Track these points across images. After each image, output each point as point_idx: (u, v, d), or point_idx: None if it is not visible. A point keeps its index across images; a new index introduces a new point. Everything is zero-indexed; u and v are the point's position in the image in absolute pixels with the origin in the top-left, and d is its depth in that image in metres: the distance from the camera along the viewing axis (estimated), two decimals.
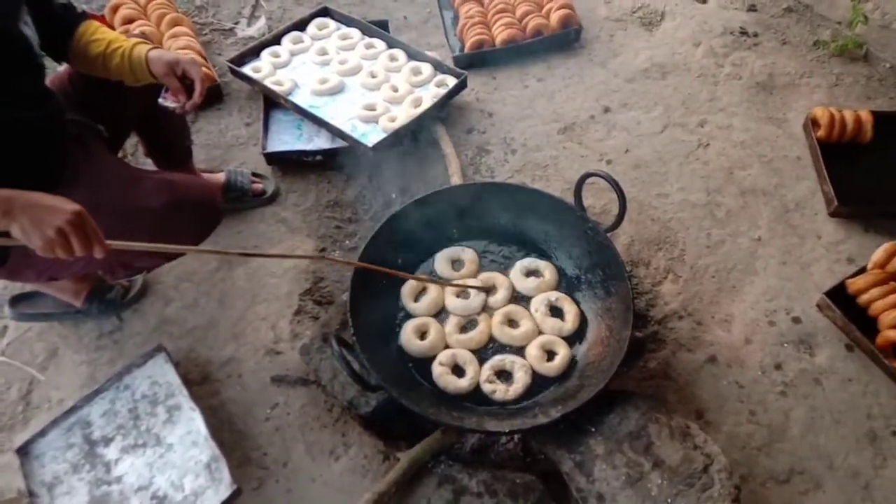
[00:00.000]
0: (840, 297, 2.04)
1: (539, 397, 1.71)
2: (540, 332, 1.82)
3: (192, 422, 1.75)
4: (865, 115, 2.48)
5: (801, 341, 2.03)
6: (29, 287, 2.03)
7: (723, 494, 1.47)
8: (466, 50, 2.89)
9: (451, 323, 1.83)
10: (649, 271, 2.22)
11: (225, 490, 1.63)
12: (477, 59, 2.87)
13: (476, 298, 1.87)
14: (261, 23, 3.10)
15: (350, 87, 2.60)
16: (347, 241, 2.32)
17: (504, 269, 1.97)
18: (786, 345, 2.02)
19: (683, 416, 1.67)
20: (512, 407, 1.69)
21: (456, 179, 2.33)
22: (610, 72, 2.89)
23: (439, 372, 1.72)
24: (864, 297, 2.02)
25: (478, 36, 2.86)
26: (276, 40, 2.77)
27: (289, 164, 2.48)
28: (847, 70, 2.89)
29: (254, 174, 2.40)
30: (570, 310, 1.85)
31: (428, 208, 1.94)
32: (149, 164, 2.21)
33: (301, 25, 2.84)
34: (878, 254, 2.09)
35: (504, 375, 1.74)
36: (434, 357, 1.75)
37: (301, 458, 1.77)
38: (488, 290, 1.89)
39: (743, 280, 2.19)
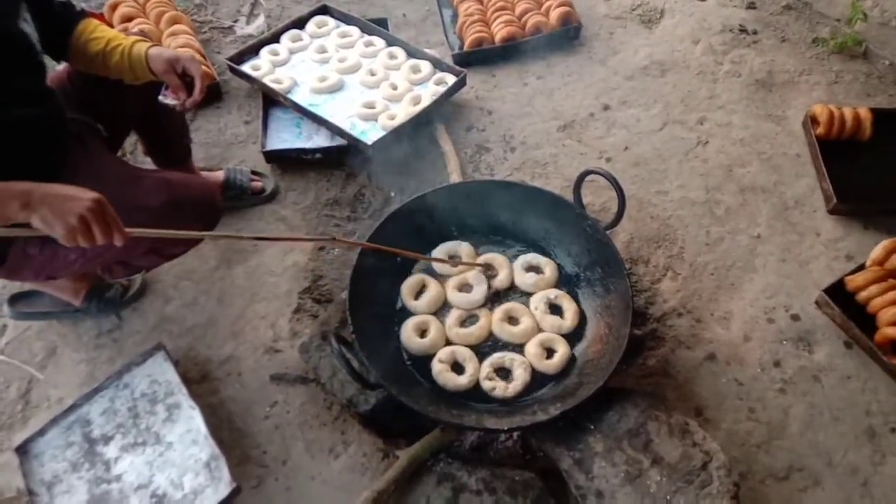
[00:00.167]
0: (839, 294, 2.04)
1: (538, 395, 1.71)
2: (539, 330, 1.82)
3: (192, 420, 1.75)
4: (865, 113, 2.48)
5: (800, 338, 2.03)
6: (28, 286, 2.03)
7: (721, 491, 1.47)
8: (466, 48, 2.88)
9: (452, 316, 1.84)
10: (648, 269, 2.22)
11: (224, 488, 1.63)
12: (476, 57, 2.87)
13: (478, 291, 1.87)
14: (260, 21, 3.10)
15: (349, 85, 2.60)
16: (351, 240, 2.32)
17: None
18: (785, 342, 2.03)
19: (682, 413, 1.67)
20: (511, 404, 1.69)
21: (455, 177, 2.33)
22: (609, 69, 2.89)
23: (439, 369, 1.72)
24: (862, 295, 2.02)
25: (477, 34, 2.86)
26: (275, 38, 2.77)
27: (288, 162, 2.48)
28: (846, 67, 2.89)
29: (253, 172, 2.39)
30: (569, 307, 1.85)
31: (427, 206, 1.94)
32: (148, 163, 2.21)
33: (300, 23, 2.84)
34: (877, 251, 2.09)
35: (503, 373, 1.74)
36: (434, 355, 1.75)
37: (300, 457, 1.78)
38: (489, 268, 1.91)
39: (742, 277, 2.19)
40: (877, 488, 1.75)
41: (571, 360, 1.77)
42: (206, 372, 1.94)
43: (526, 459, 1.78)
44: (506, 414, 1.64)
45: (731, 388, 1.93)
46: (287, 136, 2.53)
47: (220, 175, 2.31)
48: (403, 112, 2.43)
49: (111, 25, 2.67)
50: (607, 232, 1.85)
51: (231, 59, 2.64)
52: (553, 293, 1.88)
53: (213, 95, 2.69)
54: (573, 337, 1.82)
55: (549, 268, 1.92)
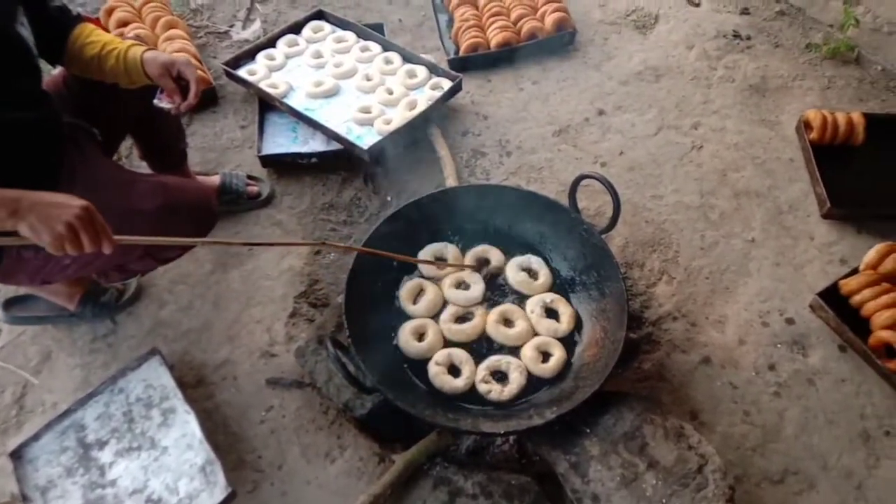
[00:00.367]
0: (833, 298, 2.05)
1: (534, 398, 1.72)
2: (535, 333, 1.82)
3: (187, 425, 1.75)
4: (857, 118, 2.50)
5: (794, 342, 2.04)
6: (22, 290, 2.03)
7: (717, 495, 1.48)
8: (461, 53, 2.89)
9: (448, 312, 1.84)
10: (644, 273, 2.23)
11: (220, 493, 1.63)
12: (472, 62, 2.88)
13: (476, 289, 1.88)
14: (256, 26, 3.10)
15: (345, 89, 2.61)
16: (342, 244, 2.32)
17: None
18: (779, 346, 2.03)
19: (678, 416, 1.67)
20: (507, 408, 1.69)
21: (451, 182, 2.33)
22: (604, 74, 2.90)
23: (435, 372, 1.72)
24: (856, 298, 2.03)
25: (472, 39, 2.87)
26: (271, 43, 2.77)
27: (284, 166, 2.48)
28: (839, 73, 2.91)
29: (249, 177, 2.39)
30: (564, 311, 1.85)
31: (423, 211, 1.95)
32: (143, 167, 2.21)
33: (296, 28, 2.85)
34: (871, 255, 2.10)
35: (499, 376, 1.74)
36: (430, 359, 1.75)
37: (296, 461, 1.77)
38: (482, 265, 1.94)
39: (736, 281, 2.20)
40: (871, 491, 1.76)
41: (567, 364, 1.78)
42: (201, 376, 1.94)
43: (522, 463, 1.78)
44: (502, 418, 1.65)
45: (726, 391, 1.93)
46: (283, 140, 2.53)
47: (215, 179, 2.31)
48: (399, 117, 2.43)
49: (107, 30, 2.67)
50: (602, 236, 1.86)
51: (227, 63, 2.65)
52: (549, 297, 1.88)
53: (209, 100, 2.69)
54: (569, 340, 1.82)
55: (543, 273, 1.93)
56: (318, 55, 2.72)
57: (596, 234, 1.86)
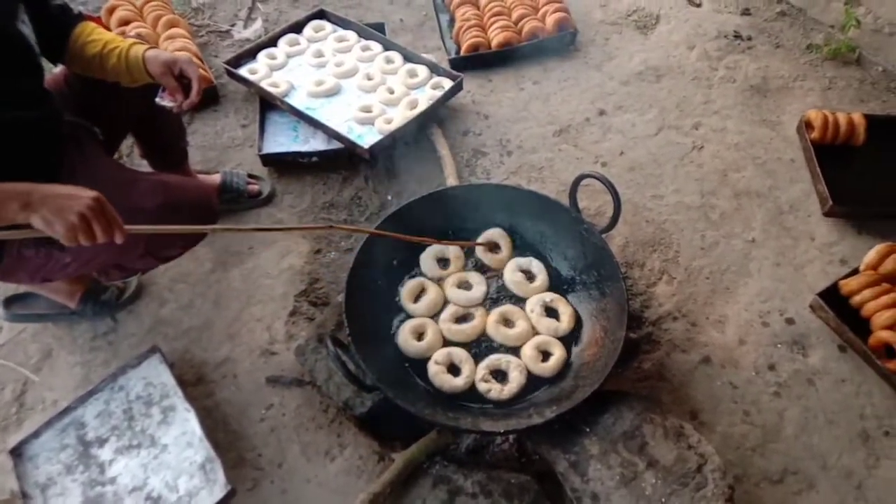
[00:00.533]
0: (833, 298, 2.05)
1: (534, 397, 1.72)
2: (535, 333, 1.83)
3: (187, 422, 1.75)
4: (858, 118, 2.50)
5: (794, 342, 2.04)
6: (23, 288, 2.03)
7: (716, 494, 1.48)
8: (462, 52, 2.90)
9: (448, 312, 1.84)
10: (644, 273, 2.23)
11: (219, 491, 1.63)
12: (473, 62, 2.88)
13: (477, 290, 1.88)
14: (257, 25, 3.11)
15: (346, 89, 2.61)
16: (343, 243, 2.32)
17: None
18: (779, 346, 2.03)
19: (678, 416, 1.67)
20: (507, 407, 1.69)
21: (452, 181, 2.33)
22: (605, 74, 2.91)
23: (435, 371, 1.72)
24: (856, 299, 2.03)
25: (474, 39, 2.87)
26: (272, 42, 2.78)
27: (285, 165, 2.48)
28: (840, 73, 2.91)
29: (250, 175, 2.40)
30: (564, 311, 1.85)
31: (423, 210, 1.94)
32: (144, 166, 2.21)
33: (297, 28, 2.85)
34: (871, 255, 2.10)
35: (499, 375, 1.75)
36: (430, 358, 1.75)
37: (296, 459, 1.77)
38: (492, 246, 1.96)
39: (737, 281, 2.20)
40: (871, 491, 1.76)
41: (567, 363, 1.78)
42: (201, 374, 1.94)
43: (522, 462, 1.78)
44: (502, 417, 1.65)
45: (725, 391, 1.93)
46: (284, 139, 2.54)
47: (216, 178, 2.31)
48: (400, 116, 2.44)
49: (108, 29, 2.67)
50: (603, 236, 1.86)
51: (228, 62, 2.65)
52: (549, 296, 1.88)
53: (210, 99, 2.69)
54: (569, 340, 1.82)
55: (541, 277, 1.93)
56: (320, 54, 2.72)
57: (596, 233, 1.86)
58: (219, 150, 2.56)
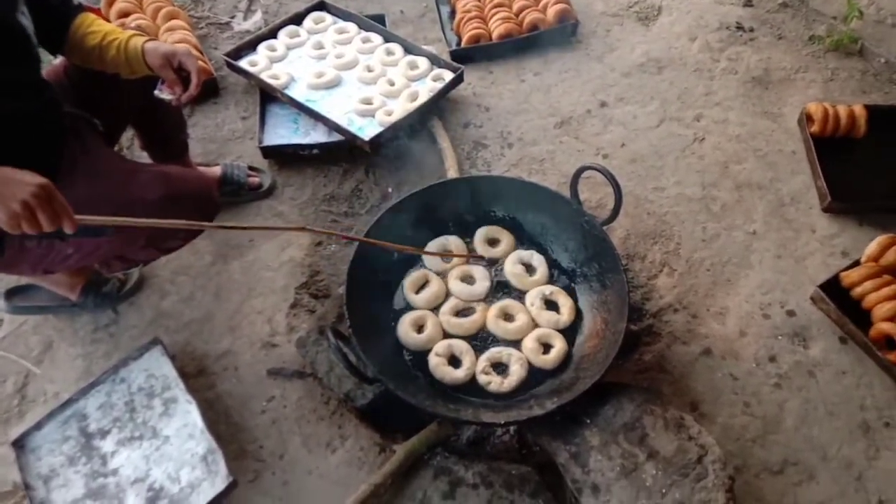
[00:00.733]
0: (834, 290, 2.05)
1: (535, 389, 1.72)
2: (536, 326, 1.83)
3: (189, 414, 1.75)
4: (859, 110, 2.49)
5: (795, 334, 2.04)
6: (24, 280, 2.03)
7: (717, 485, 1.48)
8: (463, 44, 2.89)
9: (448, 305, 1.85)
10: (645, 265, 2.22)
11: (221, 482, 1.63)
12: (473, 54, 2.87)
13: (480, 285, 1.88)
14: (257, 17, 3.09)
15: (346, 81, 2.60)
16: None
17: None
18: (780, 337, 2.03)
19: (678, 407, 1.67)
20: (508, 399, 1.70)
21: (452, 173, 2.33)
22: (606, 66, 2.90)
23: (436, 363, 1.72)
24: (857, 290, 2.03)
25: (474, 30, 2.86)
26: (272, 34, 2.77)
27: (285, 157, 2.48)
28: (842, 65, 2.90)
29: (250, 168, 2.39)
30: (565, 303, 1.85)
31: (424, 202, 1.94)
32: (144, 158, 2.21)
33: (297, 19, 2.84)
34: (872, 247, 2.10)
35: (500, 367, 1.75)
36: (430, 350, 1.76)
37: (297, 451, 1.78)
38: (493, 259, 1.94)
39: (738, 273, 2.19)
40: (871, 482, 1.76)
41: (568, 355, 1.78)
42: (202, 366, 1.94)
43: (522, 454, 1.78)
44: (502, 408, 1.65)
45: (726, 382, 1.94)
46: (284, 131, 2.53)
47: (217, 171, 2.31)
48: (401, 108, 2.43)
49: (108, 20, 2.66)
50: (604, 228, 1.85)
51: (228, 54, 2.64)
52: (548, 289, 1.88)
53: (211, 91, 2.69)
54: (569, 332, 1.82)
55: (541, 270, 1.93)
56: (320, 46, 2.71)
57: (597, 225, 1.85)
58: (219, 142, 2.56)
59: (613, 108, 2.72)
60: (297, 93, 2.52)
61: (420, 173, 2.45)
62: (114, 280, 2.03)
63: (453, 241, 1.97)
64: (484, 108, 2.71)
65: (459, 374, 1.71)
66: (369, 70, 2.60)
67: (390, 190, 2.43)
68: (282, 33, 2.76)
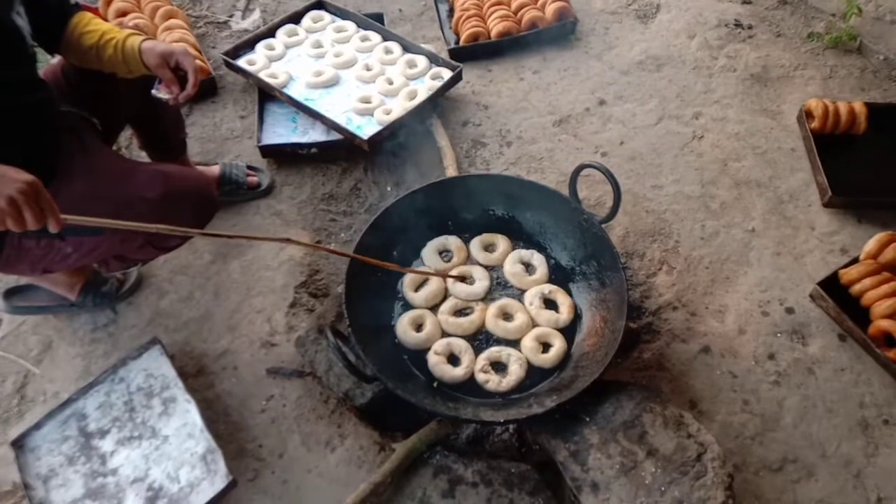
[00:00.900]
0: (833, 287, 2.05)
1: (534, 388, 1.72)
2: (535, 325, 1.83)
3: (188, 414, 1.75)
4: (859, 107, 2.49)
5: (794, 331, 2.04)
6: (23, 280, 2.03)
7: (716, 482, 1.48)
8: (462, 42, 2.88)
9: (447, 304, 1.85)
10: (644, 263, 2.22)
11: (220, 481, 1.63)
12: (472, 52, 2.87)
13: (480, 285, 1.88)
14: (255, 15, 3.09)
15: (345, 79, 2.60)
16: (343, 234, 2.32)
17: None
18: (779, 335, 2.03)
19: (677, 405, 1.68)
20: (507, 397, 1.70)
21: (451, 172, 2.33)
22: (605, 64, 2.89)
23: (435, 361, 1.72)
24: (856, 288, 2.03)
25: (473, 28, 2.86)
26: (270, 33, 2.77)
27: (284, 156, 2.48)
28: (841, 62, 2.90)
29: (249, 167, 2.39)
30: (563, 302, 1.85)
31: (423, 201, 1.94)
32: (143, 157, 2.21)
33: (296, 18, 2.84)
34: (871, 244, 2.10)
35: (499, 367, 1.75)
36: (429, 349, 1.76)
37: (297, 450, 1.78)
38: (465, 278, 1.91)
39: (737, 271, 2.19)
40: (870, 479, 1.77)
41: (567, 354, 1.78)
42: (202, 366, 1.94)
43: (522, 452, 1.79)
44: (502, 406, 1.65)
45: (725, 380, 1.94)
46: (283, 130, 2.53)
47: (215, 170, 2.31)
48: (399, 107, 2.43)
49: (106, 20, 2.66)
50: (603, 226, 1.85)
51: (226, 53, 2.64)
52: (547, 288, 1.88)
53: (209, 90, 2.68)
54: (568, 331, 1.82)
55: (541, 270, 1.92)
56: (318, 45, 2.71)
57: (596, 223, 1.85)
58: (217, 141, 2.56)
59: (612, 106, 2.72)
60: (296, 92, 2.52)
61: (419, 172, 2.45)
62: (112, 280, 2.03)
63: (453, 242, 1.97)
64: (483, 107, 2.71)
65: (458, 373, 1.71)
66: (368, 69, 2.60)
67: (389, 189, 2.43)
68: (280, 32, 2.75)
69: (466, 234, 2.01)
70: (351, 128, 2.37)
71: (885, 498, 1.74)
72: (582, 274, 1.92)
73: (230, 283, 2.13)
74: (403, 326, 1.79)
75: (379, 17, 2.94)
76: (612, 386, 1.69)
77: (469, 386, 1.71)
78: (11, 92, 1.40)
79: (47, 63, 1.78)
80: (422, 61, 2.63)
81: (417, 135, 2.52)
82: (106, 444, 1.73)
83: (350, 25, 2.80)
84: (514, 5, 2.97)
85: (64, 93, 1.71)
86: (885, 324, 1.92)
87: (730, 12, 3.11)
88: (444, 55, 2.76)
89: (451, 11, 3.08)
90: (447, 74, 2.57)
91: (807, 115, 2.54)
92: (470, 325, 1.81)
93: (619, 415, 1.61)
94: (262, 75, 2.54)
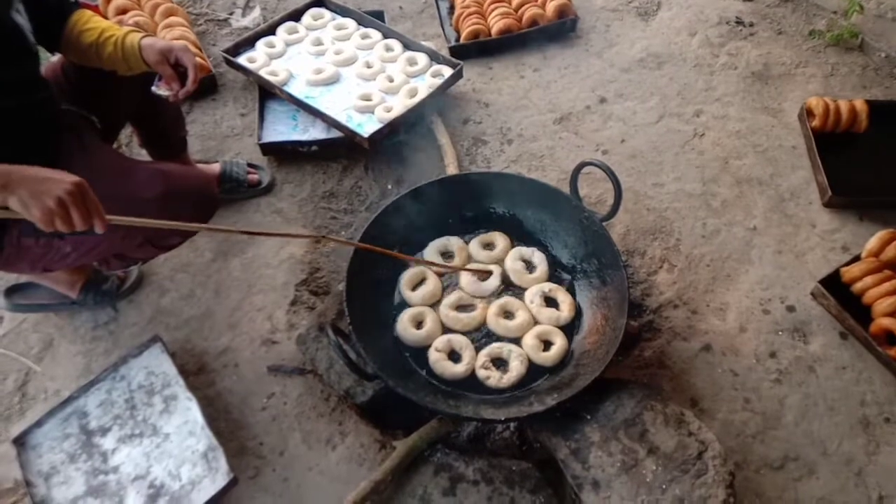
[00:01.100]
0: (834, 285, 2.05)
1: (535, 385, 1.72)
2: (536, 323, 1.82)
3: (189, 411, 1.75)
4: (860, 105, 2.48)
5: (795, 329, 2.04)
6: (24, 278, 2.03)
7: (717, 480, 1.48)
8: (462, 40, 2.88)
9: (451, 298, 1.85)
10: (645, 261, 2.22)
11: (221, 479, 1.64)
12: (473, 50, 2.87)
13: (492, 282, 1.88)
14: (256, 13, 3.09)
15: (345, 77, 2.60)
16: (343, 232, 2.32)
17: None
18: (780, 333, 2.03)
19: (678, 403, 1.68)
20: (508, 395, 1.70)
21: (452, 170, 2.33)
22: (606, 62, 2.89)
23: (436, 358, 1.72)
24: (858, 286, 2.03)
25: (474, 26, 2.85)
26: (271, 30, 2.76)
27: (284, 154, 2.47)
28: (842, 60, 2.89)
29: (249, 165, 2.39)
30: (564, 300, 1.85)
31: (423, 199, 1.94)
32: (144, 155, 2.21)
33: (296, 16, 2.83)
34: (873, 242, 2.10)
35: (499, 363, 1.75)
36: (430, 346, 1.75)
37: (297, 447, 1.78)
38: (488, 272, 1.91)
39: (738, 269, 2.19)
40: (871, 477, 1.77)
41: (568, 352, 1.78)
42: (202, 364, 1.94)
43: (523, 450, 1.79)
44: (503, 404, 1.65)
45: (726, 378, 1.94)
46: (283, 128, 2.53)
47: (216, 168, 2.31)
48: (400, 104, 2.42)
49: (106, 18, 2.66)
50: (604, 224, 1.85)
51: (227, 51, 2.64)
52: (547, 286, 1.88)
53: (209, 88, 2.68)
54: (569, 329, 1.82)
55: (541, 269, 1.92)
56: (319, 42, 2.71)
57: (597, 221, 1.85)
58: (218, 139, 2.55)
59: (613, 104, 2.71)
60: (296, 89, 2.52)
61: (419, 170, 2.45)
62: (113, 278, 2.03)
63: (454, 242, 1.97)
64: (483, 105, 2.71)
65: (459, 369, 1.71)
66: (368, 66, 2.60)
67: (389, 186, 2.43)
68: (280, 30, 2.75)
69: (467, 232, 2.01)
70: (351, 125, 2.37)
71: (886, 496, 1.74)
72: (583, 272, 1.92)
73: (231, 281, 2.13)
74: (404, 324, 1.79)
75: (379, 15, 2.93)
76: (613, 384, 1.69)
77: (470, 383, 1.71)
78: (15, 91, 1.40)
79: (47, 61, 1.77)
80: (422, 59, 2.63)
81: (418, 132, 2.52)
82: (107, 442, 1.73)
83: (350, 23, 2.79)
84: (514, 3, 2.96)
85: (64, 91, 1.70)
86: (886, 322, 1.92)
87: (731, 10, 3.11)
88: (445, 53, 2.76)
89: (451, 9, 3.07)
90: (448, 72, 2.57)
91: (808, 113, 2.53)
92: (471, 320, 1.81)
93: (620, 413, 1.61)
94: (263, 73, 2.54)
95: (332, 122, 2.40)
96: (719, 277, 2.17)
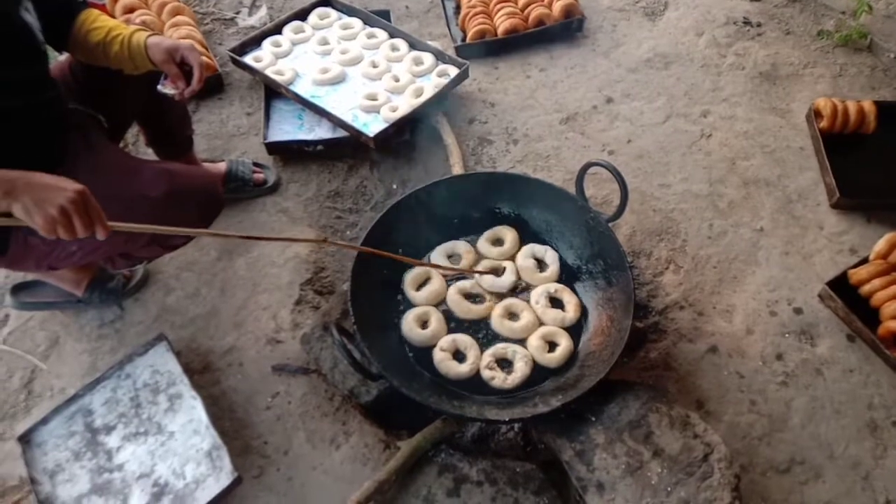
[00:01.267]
0: (842, 287, 2.04)
1: (539, 386, 1.71)
2: (541, 324, 1.82)
3: (194, 410, 1.76)
4: (869, 106, 2.47)
5: (802, 332, 2.03)
6: (30, 276, 2.04)
7: (722, 483, 1.47)
8: (468, 40, 2.87)
9: (465, 283, 1.86)
10: (651, 262, 2.21)
11: (226, 478, 1.64)
12: (479, 49, 2.86)
13: (507, 278, 1.88)
14: (262, 12, 3.09)
15: (351, 76, 2.59)
16: (348, 232, 2.32)
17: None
18: (787, 335, 2.02)
19: (684, 405, 1.67)
20: (512, 396, 1.69)
21: (457, 169, 2.32)
22: (613, 62, 2.88)
23: (440, 357, 1.72)
24: (865, 288, 2.02)
25: (480, 26, 2.85)
26: (277, 30, 2.76)
27: (290, 153, 2.48)
28: (851, 60, 2.87)
29: (255, 164, 2.39)
30: (570, 300, 1.85)
31: (429, 198, 1.94)
32: (150, 154, 2.21)
33: (302, 15, 2.83)
34: (881, 244, 2.08)
35: (504, 364, 1.74)
36: (435, 346, 1.75)
37: (302, 447, 1.78)
38: (495, 271, 1.90)
39: (745, 270, 2.18)
40: (878, 481, 1.75)
41: (573, 353, 1.77)
42: (207, 362, 1.94)
43: (527, 451, 1.78)
44: (507, 405, 1.64)
45: (732, 380, 1.93)
46: (289, 127, 2.53)
47: (221, 167, 2.31)
48: (406, 104, 2.42)
49: (113, 16, 2.66)
50: (609, 224, 1.84)
51: (233, 50, 2.64)
52: (553, 287, 1.87)
53: (215, 87, 2.69)
54: (575, 330, 1.82)
55: (553, 268, 1.92)
56: (325, 42, 2.71)
57: (603, 222, 1.84)
58: (224, 138, 2.56)
59: (619, 104, 2.70)
60: (302, 89, 2.52)
61: (425, 169, 2.45)
62: (119, 276, 2.04)
63: (462, 246, 1.96)
64: (489, 104, 2.70)
65: (463, 369, 1.70)
66: (374, 66, 2.59)
67: (395, 186, 2.42)
68: (286, 29, 2.75)
69: (472, 232, 2.01)
70: (357, 125, 2.37)
71: (893, 500, 1.73)
72: (588, 273, 1.91)
73: (236, 280, 2.13)
74: (409, 323, 1.78)
75: (385, 14, 2.93)
76: (619, 385, 1.68)
77: (474, 384, 1.71)
78: (23, 91, 1.41)
79: (55, 60, 1.78)
80: (428, 58, 2.63)
81: (424, 132, 2.51)
82: (112, 440, 1.73)
83: (356, 22, 2.79)
84: (520, 2, 2.96)
85: (71, 90, 1.71)
86: (894, 325, 1.90)
87: (738, 10, 3.09)
88: (451, 52, 2.76)
89: (457, 8, 3.07)
90: (453, 72, 2.56)
91: (816, 114, 2.52)
92: (476, 311, 1.81)
93: (625, 414, 1.60)
94: (269, 72, 2.54)
95: (337, 122, 2.40)
96: (726, 279, 2.16)
